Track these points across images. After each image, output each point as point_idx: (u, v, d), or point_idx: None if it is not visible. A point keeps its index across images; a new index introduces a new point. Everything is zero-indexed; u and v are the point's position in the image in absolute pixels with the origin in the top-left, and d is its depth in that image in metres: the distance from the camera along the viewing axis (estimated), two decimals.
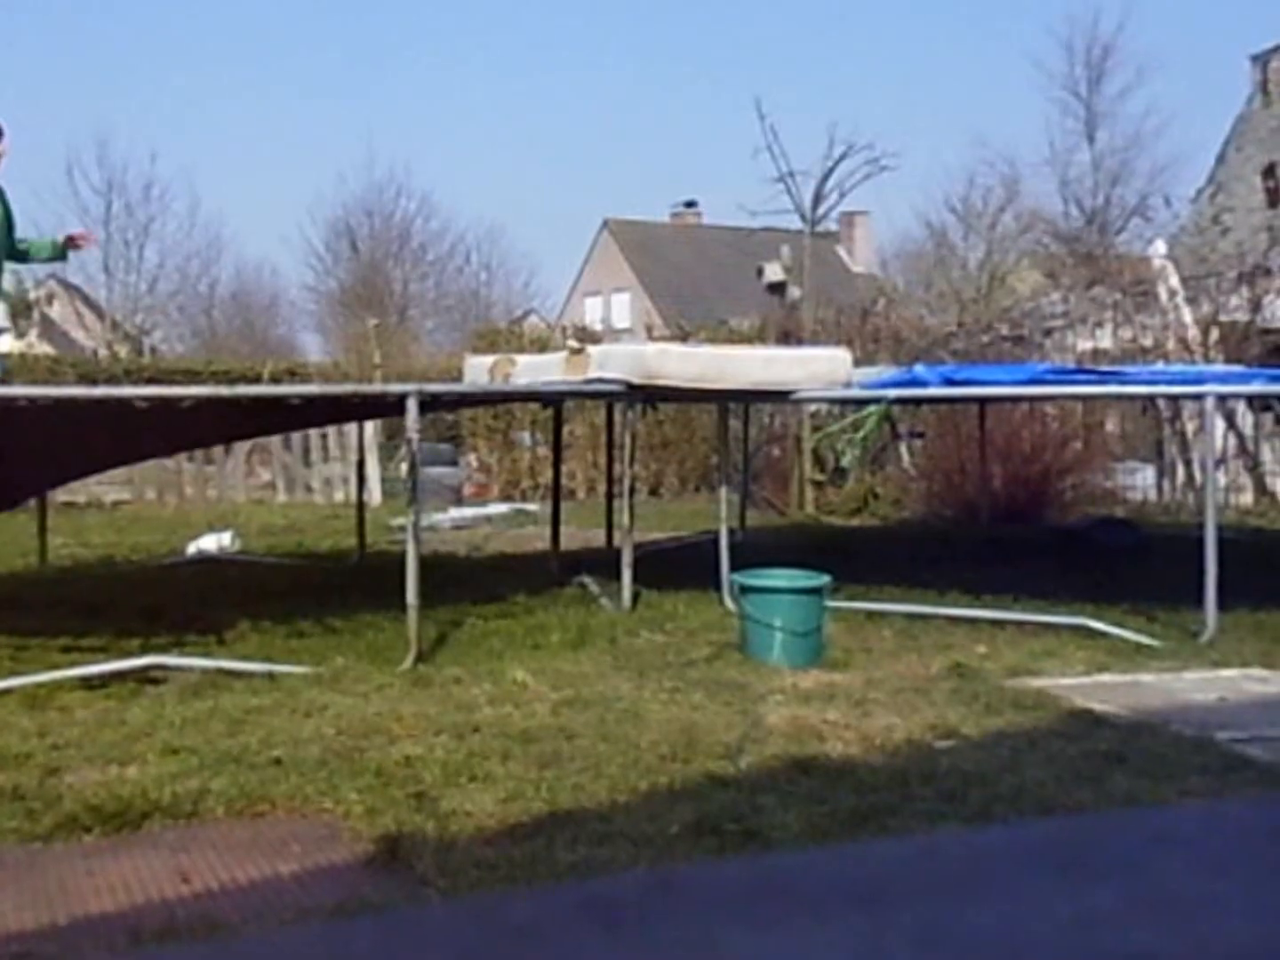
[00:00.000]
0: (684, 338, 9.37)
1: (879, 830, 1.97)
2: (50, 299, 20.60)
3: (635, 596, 4.08)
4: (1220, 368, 6.76)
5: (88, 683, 2.99)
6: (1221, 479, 7.08)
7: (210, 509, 8.24)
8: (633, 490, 4.34)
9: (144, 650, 3.27)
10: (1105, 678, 3.19)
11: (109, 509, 8.34)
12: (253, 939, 1.66)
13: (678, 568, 4.59)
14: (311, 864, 1.94)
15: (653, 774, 2.29)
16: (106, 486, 8.71)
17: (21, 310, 16.44)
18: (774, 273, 9.23)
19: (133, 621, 3.70)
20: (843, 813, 2.06)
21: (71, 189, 20.17)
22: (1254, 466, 7.81)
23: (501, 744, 2.48)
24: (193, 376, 10.37)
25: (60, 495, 7.88)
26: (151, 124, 34.80)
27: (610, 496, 5.71)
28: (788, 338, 8.23)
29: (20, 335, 15.63)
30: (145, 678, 3.06)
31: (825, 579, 3.41)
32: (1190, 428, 7.59)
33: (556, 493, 5.61)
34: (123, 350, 17.07)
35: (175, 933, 1.66)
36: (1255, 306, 7.89)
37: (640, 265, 25.02)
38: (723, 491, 4.46)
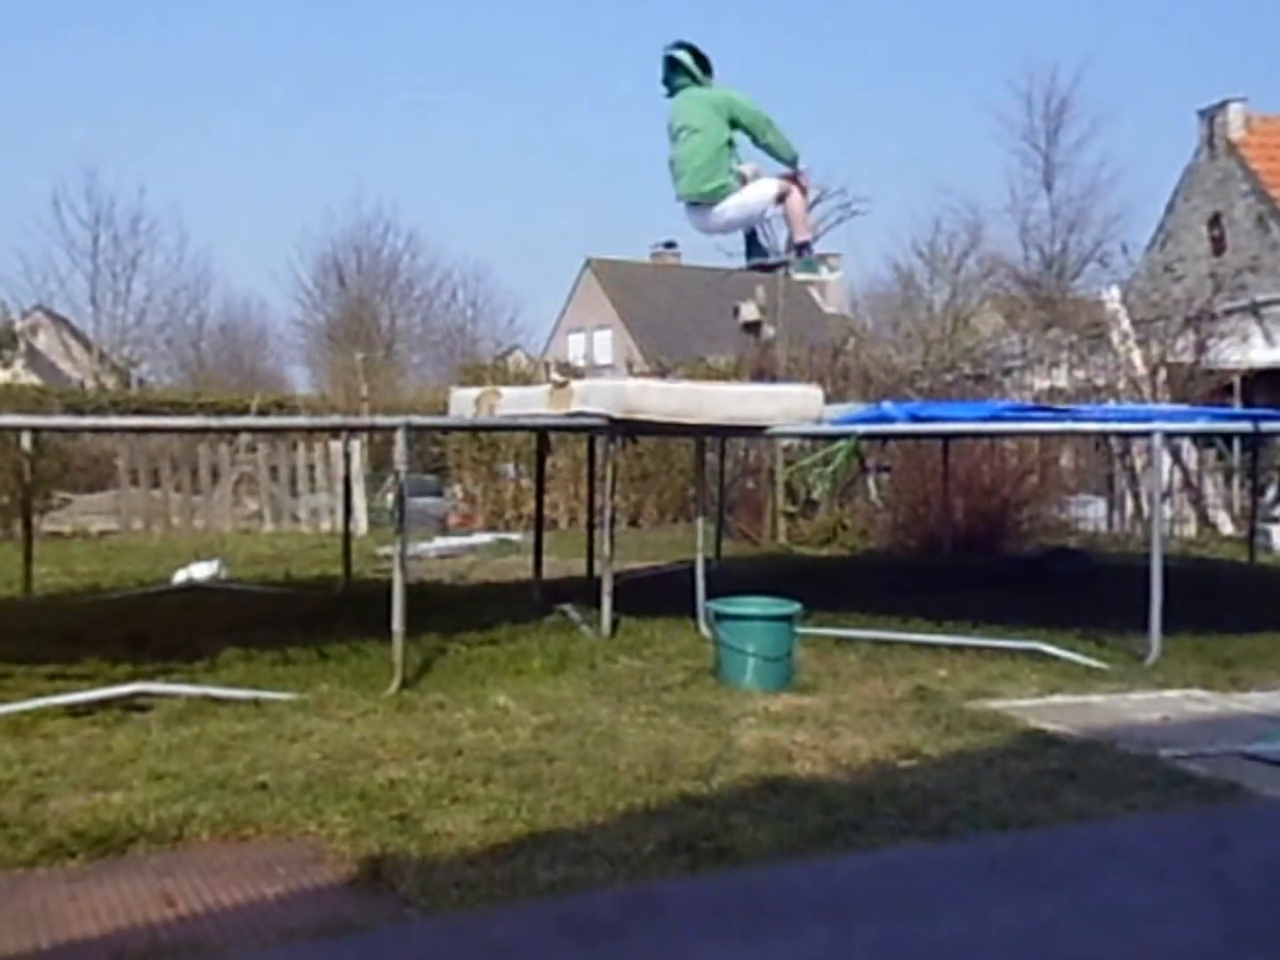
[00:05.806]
0: (663, 374, 9.56)
1: (844, 846, 2.04)
2: (36, 330, 20.42)
3: (615, 623, 4.15)
4: (1167, 406, 7.09)
5: (73, 710, 3.00)
6: (1167, 511, 7.30)
7: (197, 539, 8.20)
8: (613, 521, 4.42)
9: (129, 678, 3.28)
10: (1057, 699, 3.31)
11: (95, 538, 8.25)
12: None
13: (656, 596, 4.67)
14: (296, 886, 1.96)
15: (629, 795, 2.35)
16: (93, 516, 8.61)
17: (7, 340, 16.28)
18: (749, 312, 9.46)
19: (118, 649, 3.70)
20: (811, 829, 2.13)
21: (59, 221, 20.18)
22: (1197, 500, 8.06)
23: (483, 767, 2.54)
24: (181, 408, 10.37)
25: (46, 524, 7.80)
26: (140, 157, 34.93)
27: (591, 527, 5.80)
28: (762, 375, 8.40)
29: (6, 365, 15.45)
30: (131, 705, 3.07)
31: (796, 606, 3.52)
32: (1139, 463, 7.85)
33: (539, 523, 5.68)
34: (110, 381, 16.97)
35: (159, 955, 1.69)
36: (1200, 349, 8.19)
37: (621, 303, 25.32)
38: (699, 522, 4.57)
